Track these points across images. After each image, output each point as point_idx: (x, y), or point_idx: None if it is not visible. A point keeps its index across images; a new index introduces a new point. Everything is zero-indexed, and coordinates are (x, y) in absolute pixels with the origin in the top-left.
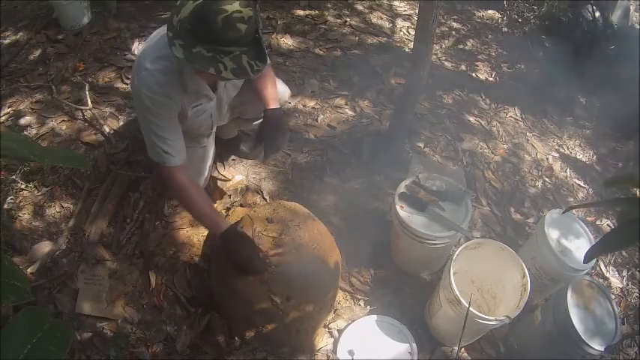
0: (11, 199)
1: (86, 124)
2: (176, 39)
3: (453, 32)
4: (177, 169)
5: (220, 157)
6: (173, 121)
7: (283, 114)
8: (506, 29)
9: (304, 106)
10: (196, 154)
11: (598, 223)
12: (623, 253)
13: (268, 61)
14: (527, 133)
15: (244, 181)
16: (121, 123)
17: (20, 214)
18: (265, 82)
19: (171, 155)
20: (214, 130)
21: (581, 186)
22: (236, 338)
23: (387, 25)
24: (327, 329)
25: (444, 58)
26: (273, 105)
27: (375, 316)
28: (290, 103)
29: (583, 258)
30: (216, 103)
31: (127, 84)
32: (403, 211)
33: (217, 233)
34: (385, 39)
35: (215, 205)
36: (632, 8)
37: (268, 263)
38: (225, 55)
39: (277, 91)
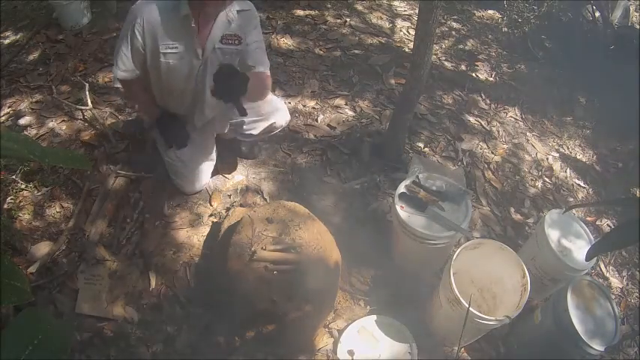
0: (11, 199)
1: (86, 124)
2: None
3: (453, 32)
4: (124, 80)
5: (220, 157)
6: (133, 49)
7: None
8: (506, 29)
9: (304, 106)
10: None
11: (598, 223)
12: (623, 253)
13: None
14: (527, 133)
15: (244, 181)
16: (121, 123)
17: (20, 214)
18: (258, 81)
19: (119, 68)
20: (211, 129)
21: (581, 186)
22: (236, 338)
23: (387, 25)
24: (327, 329)
25: (444, 58)
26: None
27: (375, 316)
28: (290, 103)
29: (584, 256)
30: (200, 69)
31: None
32: (403, 211)
33: (154, 116)
34: (385, 39)
35: (215, 205)
36: (632, 8)
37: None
38: None
39: (261, 90)
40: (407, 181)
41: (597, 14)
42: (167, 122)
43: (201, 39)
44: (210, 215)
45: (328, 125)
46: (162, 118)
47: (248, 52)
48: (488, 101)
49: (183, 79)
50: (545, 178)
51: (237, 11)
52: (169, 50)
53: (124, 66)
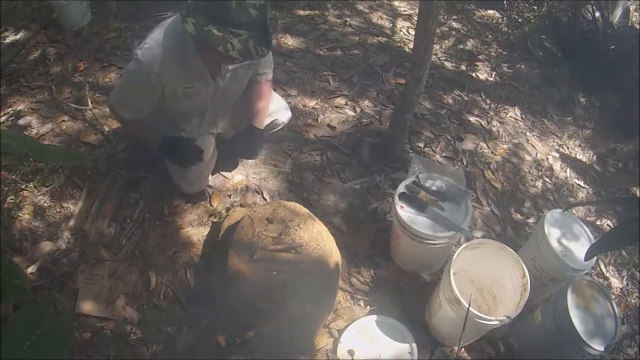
0: (11, 199)
1: (86, 124)
2: (189, 17)
3: (453, 32)
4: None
5: (220, 157)
6: (145, 97)
7: (262, 135)
8: (506, 29)
9: (304, 106)
10: None
11: (598, 223)
12: (623, 253)
13: (272, 44)
14: (527, 133)
15: (244, 181)
16: None
17: (20, 214)
18: (260, 96)
19: (130, 111)
20: (209, 130)
21: (581, 186)
22: (236, 338)
23: (388, 25)
24: (327, 329)
25: (444, 58)
26: (257, 124)
27: (375, 316)
28: (290, 103)
29: (584, 256)
30: (213, 93)
31: None
32: (403, 211)
33: (158, 142)
34: (385, 39)
35: (215, 205)
36: (632, 8)
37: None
38: (234, 37)
39: (267, 111)
40: (407, 181)
41: (597, 14)
42: (173, 145)
43: (214, 71)
44: (210, 215)
45: (328, 125)
46: (166, 144)
47: (259, 62)
48: (488, 101)
49: (199, 107)
50: (546, 178)
51: None
52: (188, 89)
53: (138, 112)
